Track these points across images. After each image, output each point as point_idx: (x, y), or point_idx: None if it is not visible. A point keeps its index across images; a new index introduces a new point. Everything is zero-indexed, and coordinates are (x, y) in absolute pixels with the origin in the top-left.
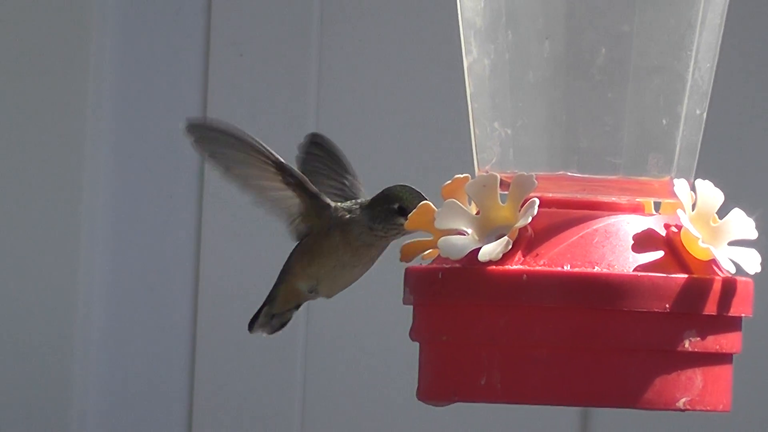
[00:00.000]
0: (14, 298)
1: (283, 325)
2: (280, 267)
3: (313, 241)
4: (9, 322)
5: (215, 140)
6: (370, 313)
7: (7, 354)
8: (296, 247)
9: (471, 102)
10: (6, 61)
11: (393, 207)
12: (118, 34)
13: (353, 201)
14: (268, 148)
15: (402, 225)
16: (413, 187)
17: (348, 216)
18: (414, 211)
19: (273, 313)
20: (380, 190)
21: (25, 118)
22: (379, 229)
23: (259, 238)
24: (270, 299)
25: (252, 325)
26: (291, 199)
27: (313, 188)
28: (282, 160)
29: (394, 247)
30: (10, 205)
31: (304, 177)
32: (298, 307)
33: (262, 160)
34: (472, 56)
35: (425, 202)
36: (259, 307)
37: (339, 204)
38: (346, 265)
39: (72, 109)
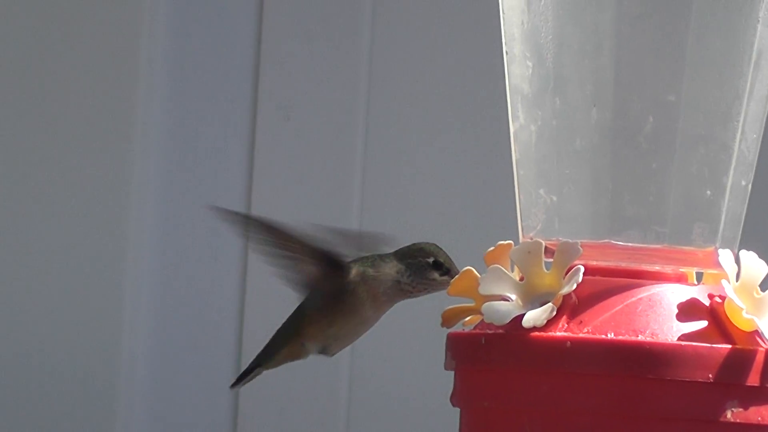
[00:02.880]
0: (59, 358)
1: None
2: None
3: (333, 302)
4: (54, 385)
5: (248, 224)
6: (412, 378)
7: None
8: (307, 309)
9: (516, 168)
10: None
11: (427, 261)
12: (166, 98)
13: (372, 256)
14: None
15: (435, 280)
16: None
17: (372, 271)
18: (457, 276)
19: (261, 372)
20: (404, 246)
21: (73, 166)
22: (408, 283)
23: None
24: (265, 359)
25: (237, 383)
26: (308, 265)
27: (331, 251)
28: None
29: (434, 312)
30: (53, 269)
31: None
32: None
33: (289, 241)
34: (519, 122)
35: (468, 267)
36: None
37: (358, 261)
38: (366, 322)
39: (121, 163)
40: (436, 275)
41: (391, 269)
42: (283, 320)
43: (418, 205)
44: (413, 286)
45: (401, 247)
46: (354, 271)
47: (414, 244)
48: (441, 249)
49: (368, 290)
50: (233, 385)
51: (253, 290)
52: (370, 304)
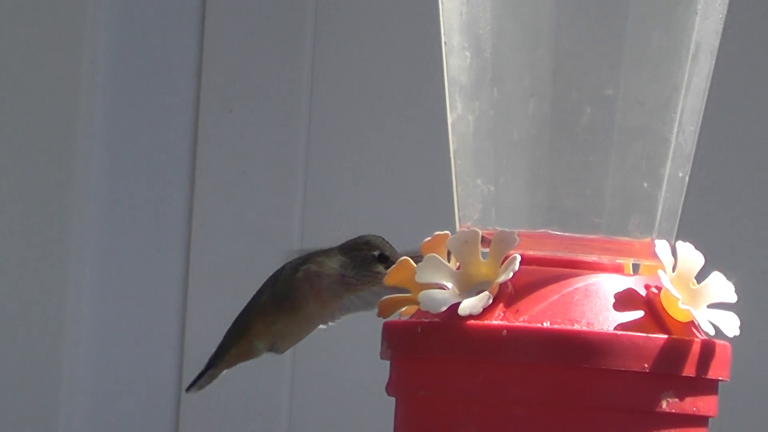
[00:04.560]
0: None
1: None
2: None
3: (277, 299)
4: None
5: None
6: (347, 369)
7: None
8: (253, 307)
9: (454, 158)
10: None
11: (373, 254)
12: (108, 92)
13: (316, 251)
14: None
15: (381, 273)
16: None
17: (314, 267)
18: (394, 266)
19: (216, 374)
20: (350, 239)
21: (13, 167)
22: (353, 276)
23: (245, 290)
24: (217, 361)
25: (192, 386)
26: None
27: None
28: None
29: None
30: None
31: None
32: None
33: None
34: (457, 113)
35: (405, 257)
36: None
37: (302, 257)
38: (312, 318)
39: (61, 161)
40: (381, 268)
41: (334, 263)
42: (227, 313)
43: (359, 196)
44: (358, 279)
45: (347, 240)
46: (296, 268)
47: (359, 237)
48: (386, 242)
49: (311, 287)
50: (188, 389)
51: (196, 285)
52: (314, 300)
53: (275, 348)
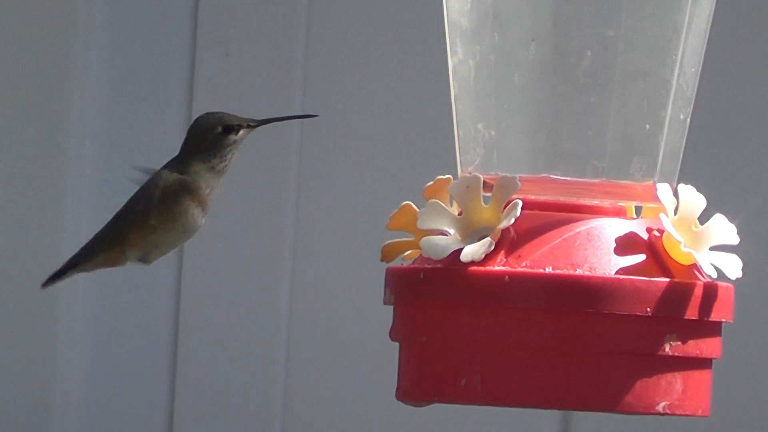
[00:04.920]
0: None
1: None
2: (265, 267)
3: (157, 210)
4: None
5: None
6: (350, 312)
7: None
8: (125, 216)
9: (455, 103)
10: None
11: (218, 132)
12: (103, 35)
13: (172, 161)
14: None
15: (237, 141)
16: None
17: (188, 177)
18: (396, 211)
19: (74, 275)
20: (187, 135)
21: (9, 129)
22: (218, 162)
23: (242, 239)
24: (81, 261)
25: (50, 282)
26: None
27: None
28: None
29: (373, 246)
30: None
31: None
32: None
33: None
34: (457, 57)
35: (407, 202)
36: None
37: (166, 170)
38: (190, 229)
39: (56, 111)
40: (233, 137)
41: (198, 164)
42: (224, 260)
43: (356, 141)
44: (222, 160)
45: (185, 139)
46: (171, 179)
47: (193, 124)
48: (219, 112)
49: (194, 196)
50: (44, 285)
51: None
52: (198, 208)
53: (146, 258)
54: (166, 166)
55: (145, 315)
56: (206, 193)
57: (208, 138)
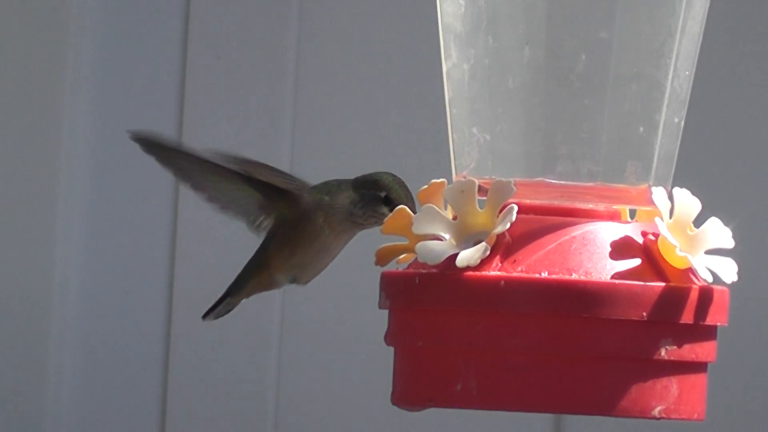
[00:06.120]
0: None
1: (229, 311)
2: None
3: (292, 231)
4: None
5: (163, 149)
6: (345, 317)
7: None
8: (269, 241)
9: (449, 107)
10: None
11: (380, 195)
12: (95, 37)
13: (331, 182)
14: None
15: (384, 215)
16: (400, 178)
17: (327, 198)
18: (390, 215)
19: (234, 303)
20: (365, 174)
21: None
22: (359, 215)
23: (234, 237)
24: (236, 290)
25: (208, 314)
26: (248, 196)
27: (277, 181)
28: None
29: (368, 250)
30: None
31: (262, 173)
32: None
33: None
34: (451, 61)
35: (402, 206)
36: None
37: (313, 189)
38: (328, 249)
39: (49, 109)
40: (385, 210)
41: (345, 199)
42: (216, 258)
43: (349, 144)
44: (364, 219)
45: (363, 174)
46: (309, 199)
47: (373, 174)
48: (397, 183)
49: (324, 217)
50: (205, 316)
51: (184, 229)
52: (329, 231)
53: (297, 280)
54: (326, 183)
55: (138, 315)
56: (338, 228)
57: (370, 193)
